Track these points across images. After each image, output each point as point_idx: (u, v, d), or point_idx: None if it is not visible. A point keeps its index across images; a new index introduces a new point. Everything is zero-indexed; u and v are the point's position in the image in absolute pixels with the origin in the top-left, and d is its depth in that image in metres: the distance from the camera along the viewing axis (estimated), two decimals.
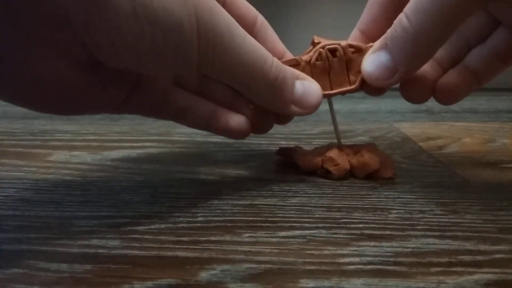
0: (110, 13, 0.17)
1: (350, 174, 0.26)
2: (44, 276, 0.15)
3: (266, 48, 0.25)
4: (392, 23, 0.26)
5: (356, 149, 0.26)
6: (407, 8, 0.21)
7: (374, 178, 0.25)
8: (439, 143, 0.28)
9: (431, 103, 0.25)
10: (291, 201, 0.22)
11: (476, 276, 0.15)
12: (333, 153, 0.25)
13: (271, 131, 0.26)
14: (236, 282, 0.15)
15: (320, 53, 0.25)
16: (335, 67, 0.25)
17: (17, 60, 0.17)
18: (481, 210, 0.21)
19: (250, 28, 0.27)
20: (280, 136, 0.36)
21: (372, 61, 0.23)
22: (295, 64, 0.25)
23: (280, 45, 0.27)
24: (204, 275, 0.15)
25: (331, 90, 0.25)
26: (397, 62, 0.22)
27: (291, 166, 0.27)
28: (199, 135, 0.28)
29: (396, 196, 0.23)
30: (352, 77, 0.25)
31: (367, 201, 0.22)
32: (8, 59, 0.17)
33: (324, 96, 0.25)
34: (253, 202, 0.22)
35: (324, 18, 0.64)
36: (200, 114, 0.25)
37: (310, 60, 0.25)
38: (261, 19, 0.27)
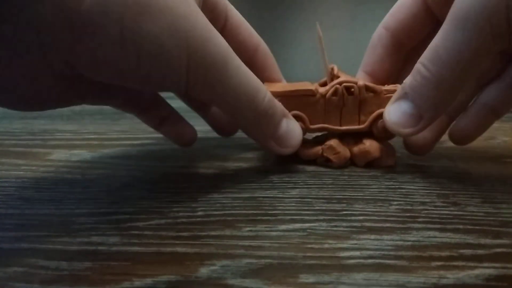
0: (96, 38, 0.16)
1: (351, 162, 0.26)
2: (44, 274, 0.15)
3: (262, 76, 0.25)
4: (395, 63, 0.26)
5: (356, 137, 0.26)
6: (424, 58, 0.21)
7: (374, 166, 0.25)
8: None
9: None
10: (291, 193, 0.22)
11: (477, 271, 0.15)
12: (333, 142, 0.25)
13: None
14: (236, 278, 0.15)
15: (336, 89, 0.25)
16: (348, 105, 0.25)
17: (4, 76, 0.17)
18: (482, 202, 0.21)
19: (251, 54, 0.27)
20: None
21: (395, 111, 0.23)
22: (310, 94, 0.25)
23: (276, 75, 0.28)
24: (204, 271, 0.15)
25: (341, 126, 0.26)
26: (421, 109, 0.22)
27: (291, 155, 0.26)
28: (199, 132, 0.28)
29: (397, 186, 0.23)
30: (362, 117, 0.25)
31: (367, 192, 0.22)
32: None
33: (334, 130, 0.25)
34: (253, 195, 0.22)
35: (324, 18, 0.64)
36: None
37: (326, 94, 0.25)
38: (263, 46, 0.27)
